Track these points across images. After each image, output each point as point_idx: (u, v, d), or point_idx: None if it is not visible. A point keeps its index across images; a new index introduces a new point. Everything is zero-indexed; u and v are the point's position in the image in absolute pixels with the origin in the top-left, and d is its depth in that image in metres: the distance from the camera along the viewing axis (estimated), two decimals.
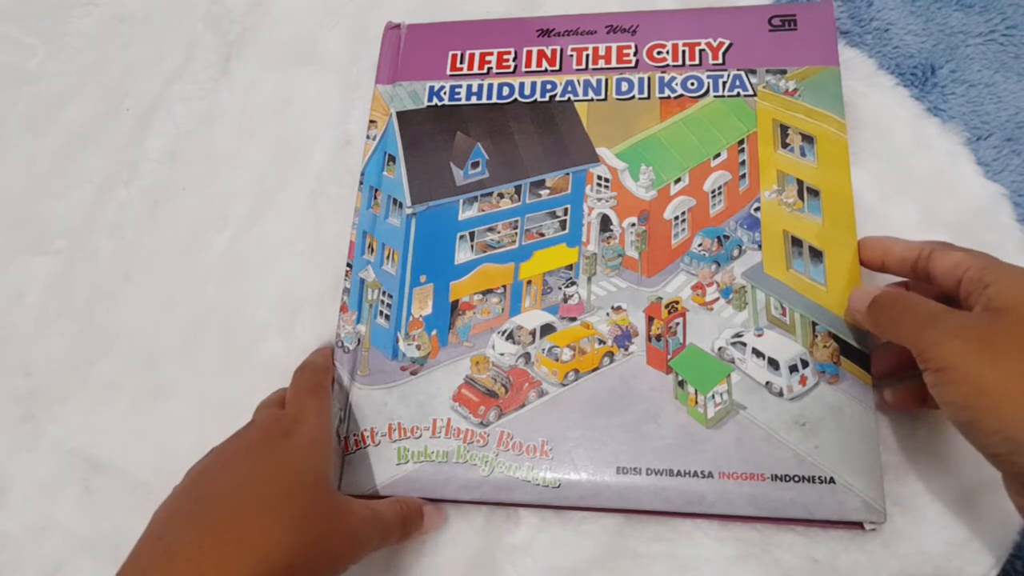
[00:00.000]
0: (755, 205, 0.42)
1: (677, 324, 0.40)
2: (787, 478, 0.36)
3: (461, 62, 0.48)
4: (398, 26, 0.50)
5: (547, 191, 0.44)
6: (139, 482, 0.44)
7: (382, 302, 0.44)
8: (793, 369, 0.39)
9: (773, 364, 0.39)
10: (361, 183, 0.46)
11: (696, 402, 0.39)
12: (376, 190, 0.46)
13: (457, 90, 0.47)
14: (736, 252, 0.42)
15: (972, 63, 0.48)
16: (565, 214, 0.44)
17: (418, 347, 0.42)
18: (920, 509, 0.37)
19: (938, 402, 0.31)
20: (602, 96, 0.46)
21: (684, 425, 0.38)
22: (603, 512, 0.39)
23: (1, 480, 0.45)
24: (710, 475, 0.37)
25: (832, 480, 0.36)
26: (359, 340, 0.43)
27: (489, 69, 0.47)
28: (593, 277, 0.42)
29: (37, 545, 0.44)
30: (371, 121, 0.48)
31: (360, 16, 0.54)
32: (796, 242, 0.41)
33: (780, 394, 0.38)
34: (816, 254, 0.41)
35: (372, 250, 0.45)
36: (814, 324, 0.39)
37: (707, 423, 0.38)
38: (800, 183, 0.42)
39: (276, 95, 0.53)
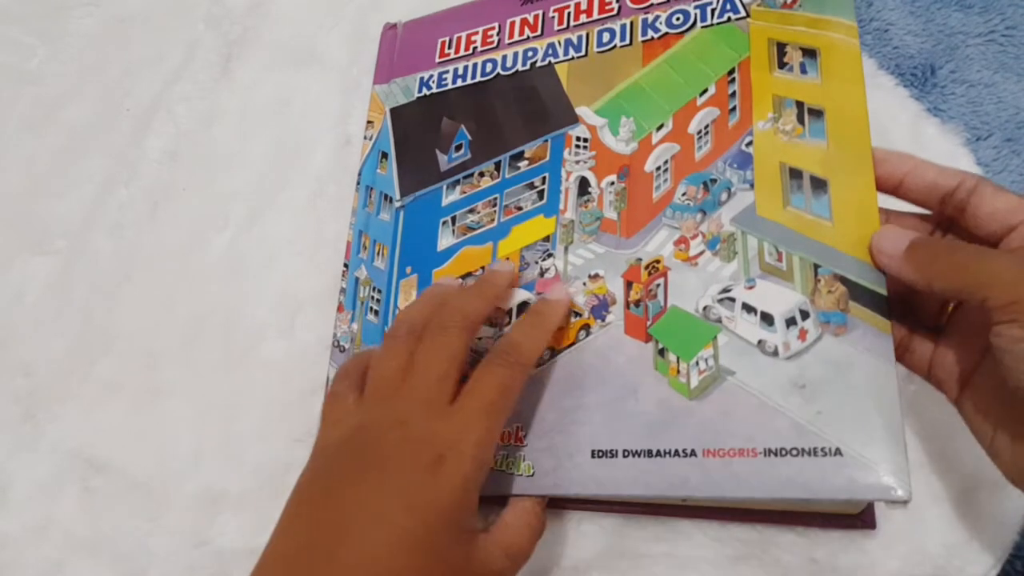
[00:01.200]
0: (747, 140, 0.37)
1: (658, 286, 0.36)
2: (783, 452, 0.31)
3: (449, 48, 0.47)
4: (395, 26, 0.50)
5: (526, 162, 0.42)
6: (139, 482, 0.44)
7: (372, 298, 0.43)
8: (791, 322, 0.33)
9: (766, 319, 0.33)
10: (358, 183, 0.46)
11: (678, 371, 0.34)
12: (371, 189, 0.46)
13: (444, 76, 0.46)
14: (724, 196, 0.36)
15: (972, 63, 0.48)
16: (543, 183, 0.41)
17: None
18: (920, 509, 0.37)
19: (1011, 361, 0.27)
20: (582, 52, 0.42)
21: (665, 398, 0.34)
22: (603, 511, 0.39)
23: (1, 480, 0.45)
24: (693, 454, 0.32)
25: (839, 451, 0.30)
26: (353, 339, 0.43)
27: (474, 49, 0.46)
28: (570, 246, 0.39)
29: (37, 545, 0.44)
30: (368, 122, 0.48)
31: (360, 17, 0.54)
32: (795, 175, 0.35)
33: (775, 353, 0.33)
34: (819, 184, 0.35)
35: (366, 248, 0.45)
36: (816, 267, 0.33)
37: (690, 394, 0.33)
38: (800, 105, 0.36)
39: (276, 95, 0.53)
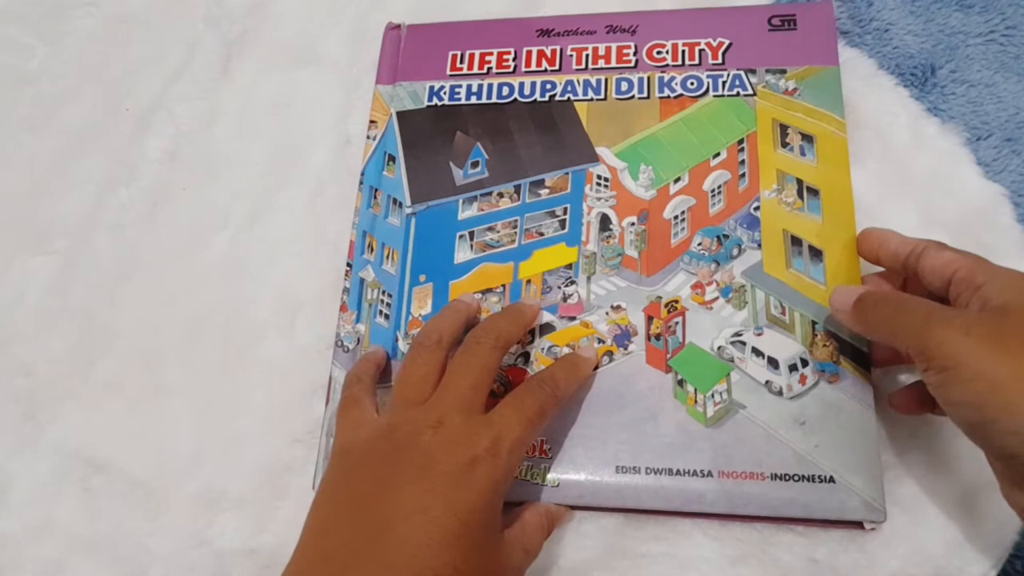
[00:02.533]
0: (755, 204, 0.42)
1: (676, 323, 0.40)
2: (787, 477, 0.36)
3: (461, 62, 0.48)
4: (398, 27, 0.50)
5: (547, 190, 0.44)
6: (139, 482, 0.44)
7: (382, 301, 0.44)
8: (793, 368, 0.39)
9: (772, 363, 0.39)
10: (361, 183, 0.46)
11: (695, 401, 0.39)
12: (376, 190, 0.46)
13: (457, 90, 0.47)
14: (735, 251, 0.42)
15: (972, 63, 0.48)
16: (564, 213, 0.44)
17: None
18: (920, 509, 0.37)
19: (943, 403, 0.30)
20: (602, 96, 0.46)
21: (683, 424, 0.38)
22: (602, 512, 0.39)
23: (1, 480, 0.45)
24: (709, 474, 0.37)
25: (832, 479, 0.36)
26: (359, 340, 0.43)
27: (489, 69, 0.47)
28: (592, 276, 0.42)
29: (37, 545, 0.44)
30: (371, 121, 0.48)
31: (360, 16, 0.54)
32: (796, 241, 0.41)
33: (780, 393, 0.38)
34: (816, 253, 0.41)
35: (372, 250, 0.45)
36: (813, 323, 0.39)
37: (706, 422, 0.38)
38: (800, 182, 0.42)
39: (276, 95, 0.53)
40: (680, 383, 0.39)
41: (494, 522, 0.32)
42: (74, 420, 0.46)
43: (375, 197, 0.46)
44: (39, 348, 0.48)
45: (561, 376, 0.37)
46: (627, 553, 0.38)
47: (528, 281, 0.43)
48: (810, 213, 0.41)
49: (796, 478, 0.36)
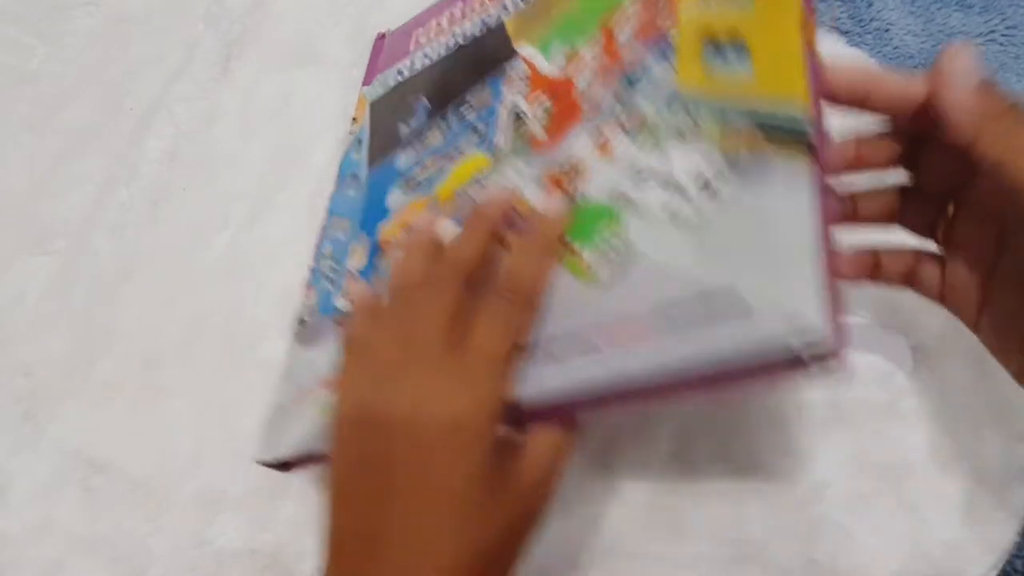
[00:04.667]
0: (672, 27, 0.34)
1: (575, 190, 0.34)
2: (691, 323, 0.28)
3: (423, 36, 0.48)
4: (384, 36, 0.50)
5: (472, 111, 0.42)
6: (139, 482, 0.44)
7: (332, 269, 0.43)
8: (705, 186, 0.29)
9: (677, 186, 0.30)
10: (339, 175, 0.46)
11: (584, 262, 0.31)
12: (346, 175, 0.46)
13: (415, 61, 0.47)
14: (647, 87, 0.34)
15: None
16: (486, 126, 0.40)
17: (351, 300, 0.39)
18: (920, 509, 0.37)
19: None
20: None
21: (564, 288, 0.31)
22: (602, 512, 0.39)
23: (1, 480, 0.45)
24: (596, 349, 0.29)
25: (749, 311, 0.26)
26: (312, 312, 0.42)
27: (442, 31, 0.47)
28: (501, 172, 0.38)
29: (37, 545, 0.44)
30: (353, 119, 0.48)
31: (360, 16, 0.54)
32: (716, 43, 0.32)
33: (687, 222, 0.29)
34: (739, 45, 0.31)
35: (335, 228, 0.45)
36: (729, 119, 0.30)
37: (591, 278, 0.31)
38: None
39: (276, 95, 0.53)
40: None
41: (493, 479, 0.29)
42: (74, 420, 0.46)
43: (345, 181, 0.46)
44: (39, 348, 0.48)
45: (521, 266, 0.32)
46: (627, 553, 0.38)
47: (444, 202, 0.40)
48: (739, 6, 0.32)
49: (704, 320, 0.27)
